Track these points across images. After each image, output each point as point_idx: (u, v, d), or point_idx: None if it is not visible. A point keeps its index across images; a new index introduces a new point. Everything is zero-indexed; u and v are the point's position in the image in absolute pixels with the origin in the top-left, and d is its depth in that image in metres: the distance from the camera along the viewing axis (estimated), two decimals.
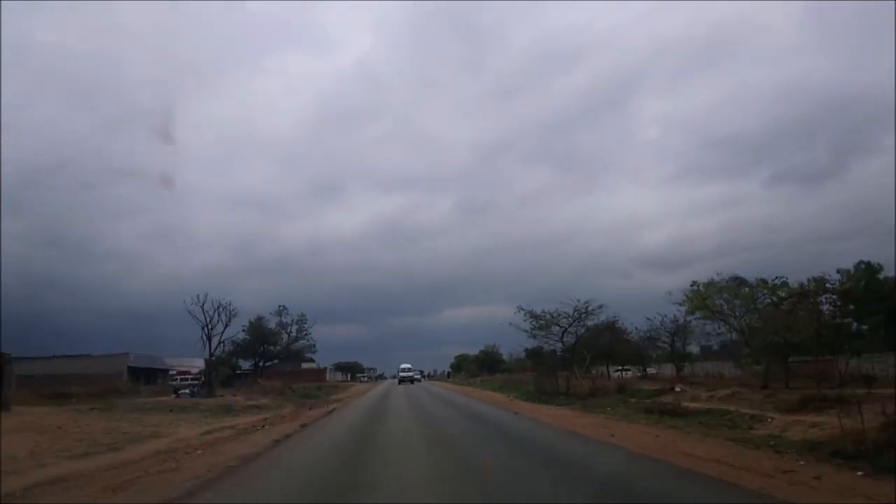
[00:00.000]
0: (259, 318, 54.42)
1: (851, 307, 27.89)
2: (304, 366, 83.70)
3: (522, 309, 34.39)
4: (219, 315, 41.27)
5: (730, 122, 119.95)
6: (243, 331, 51.46)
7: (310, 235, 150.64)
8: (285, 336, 56.25)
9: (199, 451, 11.85)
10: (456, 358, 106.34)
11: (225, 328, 42.15)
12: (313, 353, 59.33)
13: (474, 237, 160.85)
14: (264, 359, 56.14)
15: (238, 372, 72.50)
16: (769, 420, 13.10)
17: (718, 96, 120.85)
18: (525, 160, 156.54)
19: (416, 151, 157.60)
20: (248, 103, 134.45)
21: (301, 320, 56.31)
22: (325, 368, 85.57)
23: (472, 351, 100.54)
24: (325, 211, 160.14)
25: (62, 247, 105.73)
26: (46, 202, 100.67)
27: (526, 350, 49.12)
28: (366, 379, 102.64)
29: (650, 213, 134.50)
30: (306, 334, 57.08)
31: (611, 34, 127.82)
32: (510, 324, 35.14)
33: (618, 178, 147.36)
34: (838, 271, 29.53)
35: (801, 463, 8.51)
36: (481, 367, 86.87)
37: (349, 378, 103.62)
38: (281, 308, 56.10)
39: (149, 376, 50.76)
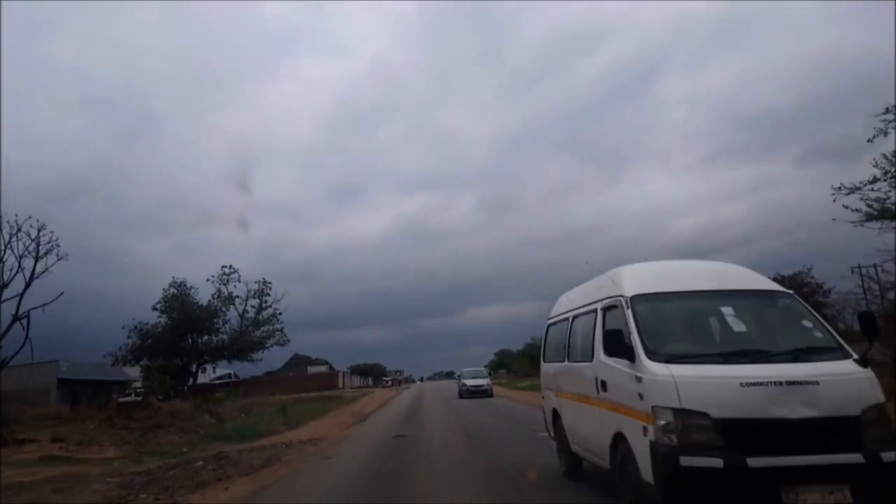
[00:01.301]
0: (181, 286, 33.44)
1: None
2: (313, 370, 68.80)
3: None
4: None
5: (759, 100, 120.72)
6: (157, 310, 32.38)
7: (333, 241, 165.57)
8: (240, 317, 34.72)
9: None
10: (497, 354, 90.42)
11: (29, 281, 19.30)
12: (284, 343, 37.04)
13: (498, 234, 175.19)
14: (198, 356, 34.13)
15: (215, 381, 58.29)
16: None
17: (746, 72, 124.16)
18: (547, 152, 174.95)
19: (436, 149, 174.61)
20: (265, 111, 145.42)
21: (262, 291, 35.00)
22: (339, 373, 69.82)
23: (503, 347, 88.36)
24: (347, 215, 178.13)
25: (86, 259, 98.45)
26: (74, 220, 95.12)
27: None
28: (389, 383, 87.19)
29: (679, 200, 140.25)
30: (273, 314, 35.43)
31: (630, 13, 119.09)
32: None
33: (644, 165, 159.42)
34: None
35: None
36: (534, 364, 69.86)
37: (371, 382, 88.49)
38: (226, 271, 34.16)
39: (77, 392, 35.11)
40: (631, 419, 4.78)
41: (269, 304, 34.88)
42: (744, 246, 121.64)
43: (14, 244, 18.96)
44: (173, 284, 32.12)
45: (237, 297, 34.22)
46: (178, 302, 31.92)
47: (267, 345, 35.50)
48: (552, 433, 8.04)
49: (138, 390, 25.55)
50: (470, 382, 32.55)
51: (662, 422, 4.28)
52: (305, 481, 8.44)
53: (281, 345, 36.50)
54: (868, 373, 4.43)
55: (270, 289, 34.95)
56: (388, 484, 7.56)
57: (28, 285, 18.69)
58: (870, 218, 12.84)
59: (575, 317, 6.80)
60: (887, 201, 12.44)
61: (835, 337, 4.82)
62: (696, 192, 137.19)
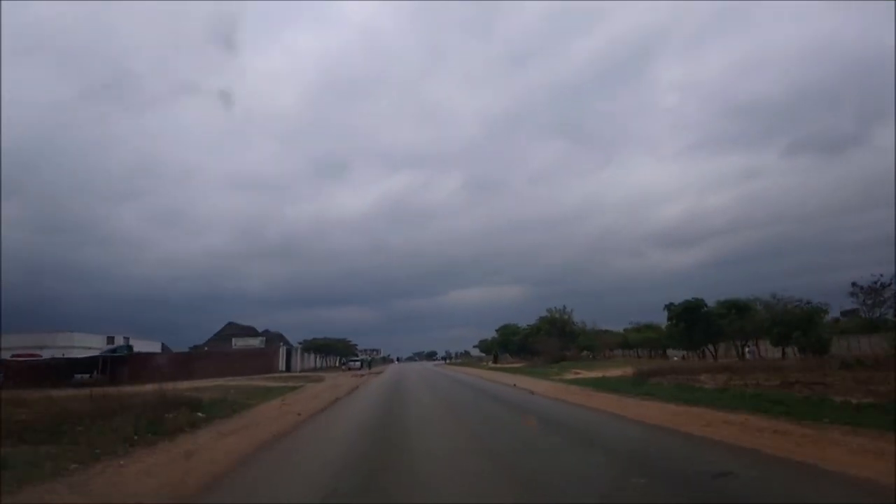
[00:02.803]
0: None
1: None
2: (241, 343, 48.20)
3: None
4: None
5: (751, 87, 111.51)
6: None
7: (314, 217, 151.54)
8: None
9: None
10: (500, 331, 70.62)
11: None
12: None
13: (483, 216, 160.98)
14: None
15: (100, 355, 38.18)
16: None
17: (741, 59, 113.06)
18: (537, 133, 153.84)
19: (423, 125, 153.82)
20: (248, 80, 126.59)
21: None
22: (279, 349, 48.66)
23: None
24: (329, 191, 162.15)
25: (63, 231, 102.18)
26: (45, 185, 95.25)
27: None
28: (356, 365, 66.54)
29: (665, 187, 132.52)
30: None
31: None
32: None
33: (633, 150, 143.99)
34: None
35: None
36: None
37: (339, 363, 68.15)
38: None
39: None
40: None
41: None
42: (726, 235, 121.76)
43: None
44: None
45: None
46: None
47: None
48: None
49: None
50: None
51: None
52: None
53: None
54: None
55: None
56: None
57: None
58: None
59: None
60: None
61: None
62: (683, 180, 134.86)
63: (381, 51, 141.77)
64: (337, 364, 75.61)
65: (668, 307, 40.08)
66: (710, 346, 41.19)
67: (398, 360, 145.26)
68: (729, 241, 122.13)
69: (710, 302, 38.77)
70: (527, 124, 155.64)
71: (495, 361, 58.45)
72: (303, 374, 46.05)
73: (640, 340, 59.04)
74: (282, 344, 51.32)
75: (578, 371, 29.61)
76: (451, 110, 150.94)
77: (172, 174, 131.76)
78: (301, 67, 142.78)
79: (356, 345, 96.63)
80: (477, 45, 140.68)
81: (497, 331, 75.25)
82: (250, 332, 64.27)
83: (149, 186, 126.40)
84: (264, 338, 53.98)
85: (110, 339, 61.55)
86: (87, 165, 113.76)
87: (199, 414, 13.71)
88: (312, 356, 62.29)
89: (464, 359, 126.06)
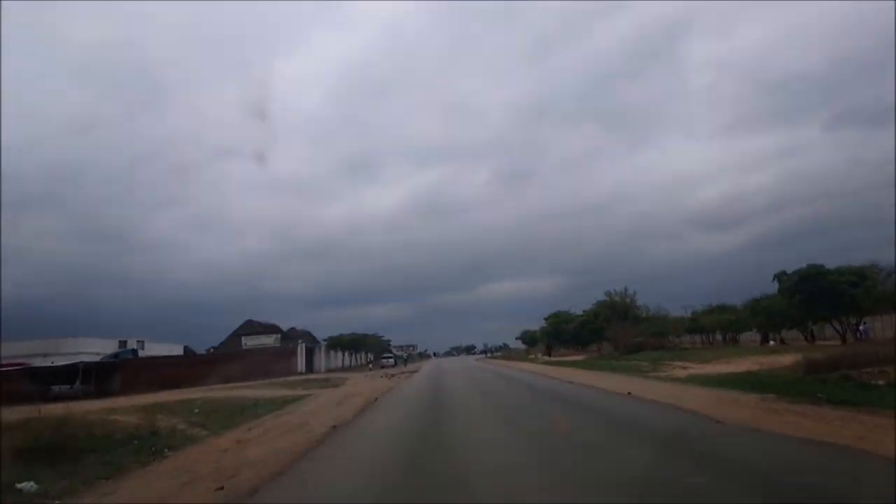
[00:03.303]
0: None
1: None
2: (251, 342, 41.50)
3: None
4: None
5: (789, 61, 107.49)
6: None
7: (346, 216, 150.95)
8: None
9: None
10: (550, 319, 62.32)
11: None
12: None
13: (514, 207, 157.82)
14: None
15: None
16: None
17: (777, 33, 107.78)
18: (565, 120, 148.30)
19: (450, 119, 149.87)
20: (277, 85, 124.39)
21: None
22: (304, 348, 41.52)
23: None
24: (360, 189, 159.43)
25: (105, 240, 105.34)
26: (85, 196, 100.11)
27: None
28: (391, 363, 59.22)
29: (702, 168, 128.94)
30: None
31: None
32: None
33: (667, 132, 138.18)
34: None
35: None
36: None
37: (371, 360, 61.13)
38: None
39: None
40: None
41: None
42: (767, 215, 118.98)
43: None
44: None
45: None
46: None
47: None
48: None
49: None
50: None
51: None
52: None
53: None
54: None
55: None
56: None
57: None
58: None
59: None
60: None
61: None
62: (720, 160, 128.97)
63: (404, 46, 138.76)
64: (366, 362, 68.66)
65: (779, 276, 31.23)
66: (829, 323, 32.58)
67: (435, 355, 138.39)
68: (771, 220, 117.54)
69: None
70: (554, 112, 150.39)
71: (548, 353, 50.29)
72: (325, 375, 38.94)
73: (715, 323, 50.15)
74: (300, 341, 44.39)
75: (686, 364, 21.18)
76: (477, 102, 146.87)
77: (207, 180, 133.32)
78: (327, 68, 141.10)
79: (389, 341, 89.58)
80: (500, 35, 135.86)
81: (546, 319, 66.75)
82: (271, 329, 57.67)
83: (184, 193, 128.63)
84: (279, 335, 46.99)
85: (122, 343, 55.94)
86: (125, 174, 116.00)
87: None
88: (340, 354, 55.26)
89: (504, 352, 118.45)
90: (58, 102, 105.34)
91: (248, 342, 41.12)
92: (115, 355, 46.31)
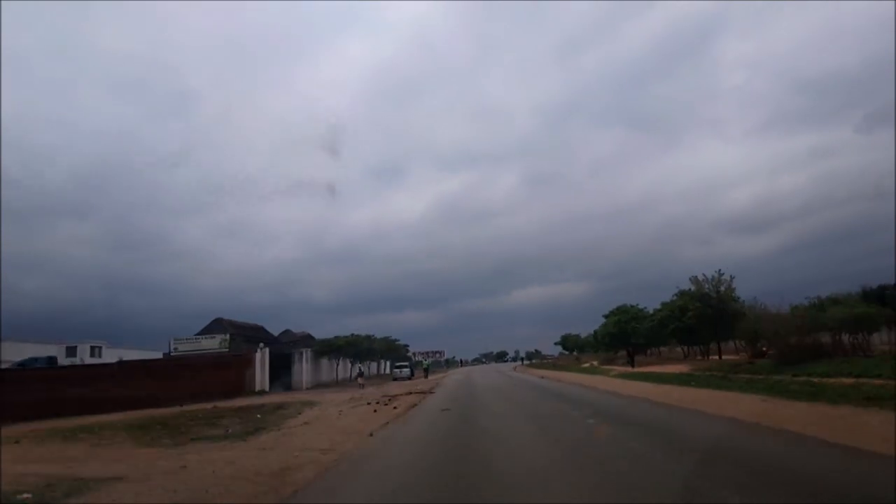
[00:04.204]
0: None
1: None
2: (185, 347, 27.99)
3: None
4: None
5: (824, 60, 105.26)
6: None
7: (372, 222, 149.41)
8: None
9: None
10: (613, 317, 47.52)
11: None
12: None
13: (542, 212, 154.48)
14: None
15: None
16: None
17: (810, 31, 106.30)
18: (594, 122, 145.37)
19: (477, 122, 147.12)
20: (302, 91, 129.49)
21: None
22: (275, 356, 26.73)
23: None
24: (386, 195, 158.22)
25: (134, 248, 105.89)
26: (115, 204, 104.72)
27: None
28: (406, 373, 45.39)
29: (734, 169, 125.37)
30: None
31: None
32: None
33: (698, 133, 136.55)
34: None
35: None
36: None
37: (360, 375, 47.86)
38: None
39: None
40: None
41: None
42: (801, 217, 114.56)
43: None
44: None
45: None
46: None
47: None
48: None
49: None
50: None
51: None
52: None
53: None
54: None
55: None
56: None
57: None
58: None
59: None
60: None
61: None
62: (753, 161, 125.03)
63: (430, 50, 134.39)
64: (367, 372, 54.88)
65: None
66: None
67: (462, 362, 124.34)
68: (805, 223, 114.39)
69: None
70: (583, 114, 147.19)
71: (632, 362, 35.47)
72: (280, 398, 25.31)
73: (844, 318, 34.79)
74: (261, 345, 30.86)
75: None
76: (504, 105, 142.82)
77: (235, 187, 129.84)
78: (353, 73, 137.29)
79: (407, 346, 75.54)
80: (528, 37, 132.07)
81: (608, 317, 51.85)
82: (250, 329, 44.50)
83: (213, 200, 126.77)
84: (227, 336, 33.37)
85: (70, 349, 43.70)
86: (155, 183, 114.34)
87: None
88: (335, 363, 41.52)
89: (538, 359, 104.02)
90: (89, 110, 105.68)
91: (182, 347, 28.00)
92: (21, 364, 34.13)
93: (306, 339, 53.55)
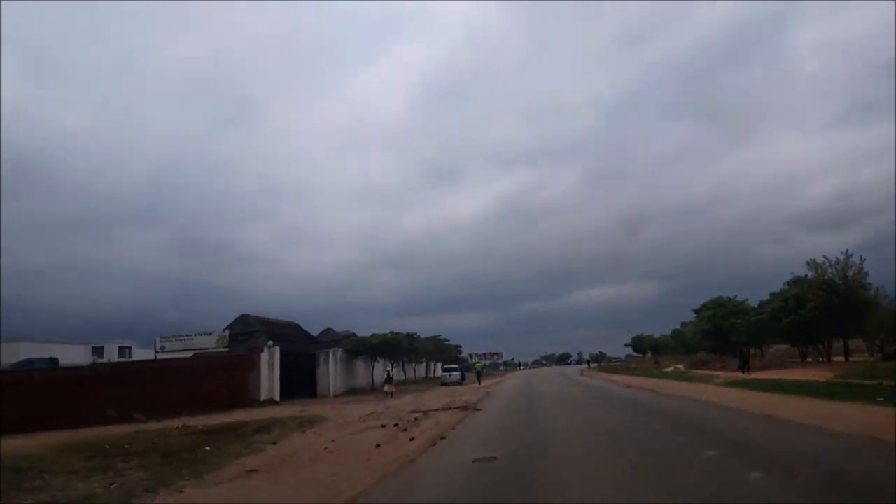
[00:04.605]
0: None
1: None
2: (173, 346, 22.65)
3: None
4: None
5: None
6: None
7: (430, 223, 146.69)
8: None
9: None
10: (706, 312, 39.74)
11: None
12: None
13: (605, 210, 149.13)
14: None
15: None
16: None
17: (891, 13, 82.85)
18: (659, 115, 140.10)
19: (534, 119, 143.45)
20: (357, 96, 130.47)
21: None
22: (257, 354, 20.63)
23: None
24: (443, 196, 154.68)
25: (201, 253, 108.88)
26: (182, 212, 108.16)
27: None
28: (456, 377, 39.18)
29: (812, 162, 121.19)
30: None
31: None
32: None
33: (773, 124, 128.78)
34: None
35: None
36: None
37: (387, 381, 42.37)
38: None
39: None
40: None
41: None
42: (886, 211, 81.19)
43: None
44: None
45: None
46: None
47: None
48: None
49: None
50: None
51: None
52: None
53: None
54: None
55: None
56: None
57: None
58: None
59: None
60: None
61: None
62: (833, 153, 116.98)
63: (485, 47, 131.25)
64: (409, 376, 49.07)
65: None
66: None
67: (521, 365, 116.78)
68: (880, 221, 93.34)
69: None
70: (648, 107, 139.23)
71: (746, 367, 27.49)
72: (303, 407, 19.69)
73: None
74: (269, 343, 25.30)
75: None
76: (562, 101, 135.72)
77: (296, 192, 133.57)
78: (407, 75, 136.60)
79: (459, 346, 69.20)
80: (587, 29, 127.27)
81: (699, 312, 43.78)
82: (280, 326, 39.70)
83: (275, 206, 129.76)
84: (225, 333, 27.71)
85: (97, 351, 40.49)
86: (220, 190, 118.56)
87: None
88: (371, 364, 35.70)
89: (606, 362, 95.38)
90: (155, 119, 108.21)
91: (169, 346, 22.95)
92: (20, 364, 30.46)
93: (348, 338, 48.39)
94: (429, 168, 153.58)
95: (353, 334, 51.56)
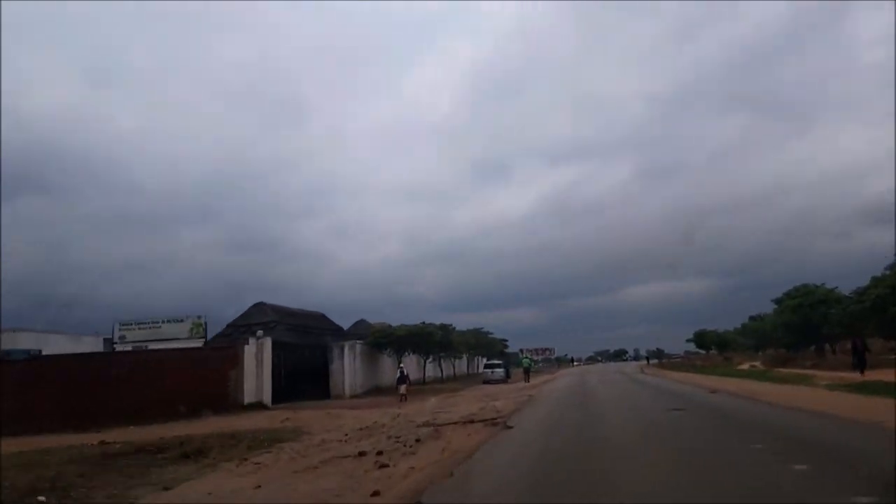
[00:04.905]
0: None
1: None
2: (136, 335, 18.60)
3: None
4: None
5: None
6: None
7: (478, 219, 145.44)
8: None
9: None
10: (790, 300, 32.83)
11: None
12: None
13: (658, 205, 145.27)
14: None
15: None
16: None
17: None
18: (714, 107, 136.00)
19: (585, 114, 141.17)
20: (405, 94, 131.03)
21: None
22: (241, 348, 15.83)
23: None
24: (492, 192, 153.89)
25: (255, 250, 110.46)
26: (235, 209, 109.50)
27: None
28: (500, 375, 34.27)
29: (875, 154, 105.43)
30: None
31: None
32: None
33: (833, 115, 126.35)
34: None
35: None
36: None
37: (403, 378, 38.16)
38: None
39: None
40: None
41: None
42: None
43: None
44: None
45: None
46: None
47: None
48: None
49: None
50: None
51: None
52: None
53: None
54: None
55: None
56: None
57: None
58: None
59: None
60: None
61: None
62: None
63: (534, 41, 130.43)
64: (449, 372, 44.81)
65: None
66: None
67: (574, 361, 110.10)
68: None
69: None
70: (702, 99, 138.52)
71: (861, 367, 21.69)
72: (293, 413, 15.58)
73: None
74: (259, 333, 21.20)
75: None
76: (614, 94, 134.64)
77: (346, 190, 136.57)
78: (455, 71, 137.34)
79: (505, 340, 64.02)
80: (639, 21, 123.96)
81: (779, 302, 37.24)
82: (300, 315, 36.18)
83: (325, 203, 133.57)
84: (201, 319, 22.84)
85: (108, 343, 38.14)
86: (271, 188, 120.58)
87: None
88: (398, 359, 31.31)
89: (667, 358, 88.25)
90: (208, 120, 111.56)
91: (131, 335, 18.97)
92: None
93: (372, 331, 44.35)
94: (477, 164, 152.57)
95: (389, 327, 47.61)
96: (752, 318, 74.43)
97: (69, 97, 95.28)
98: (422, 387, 33.40)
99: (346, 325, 44.44)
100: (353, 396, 24.82)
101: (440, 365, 39.90)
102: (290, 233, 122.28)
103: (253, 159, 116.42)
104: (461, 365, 50.99)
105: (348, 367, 25.19)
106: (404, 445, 9.68)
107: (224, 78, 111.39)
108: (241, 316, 34.97)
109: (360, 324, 51.20)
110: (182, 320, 18.57)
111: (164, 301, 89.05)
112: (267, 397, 18.37)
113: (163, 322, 18.41)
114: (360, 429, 12.67)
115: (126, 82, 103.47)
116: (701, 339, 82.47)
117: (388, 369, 30.57)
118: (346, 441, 10.90)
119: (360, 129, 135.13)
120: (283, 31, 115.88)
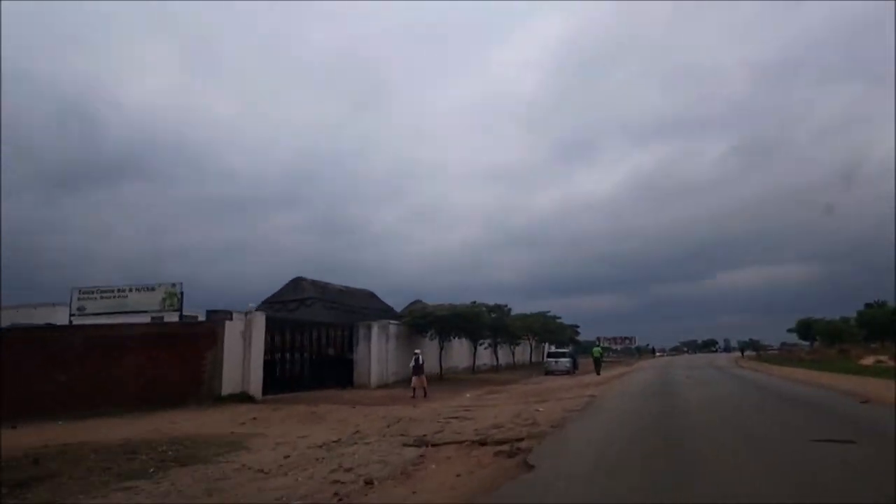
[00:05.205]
0: None
1: None
2: (98, 305, 15.07)
3: None
4: None
5: None
6: None
7: (561, 202, 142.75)
8: None
9: None
10: None
11: None
12: None
13: (757, 184, 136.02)
14: None
15: None
16: None
17: None
18: (822, 78, 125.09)
19: (677, 88, 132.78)
20: (490, 73, 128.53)
21: None
22: (221, 327, 11.86)
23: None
24: (576, 174, 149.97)
25: (343, 234, 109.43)
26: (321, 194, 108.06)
27: None
28: (565, 366, 29.29)
29: None
30: None
31: None
32: None
33: None
34: None
35: None
36: None
37: (416, 364, 33.62)
38: None
39: None
40: None
41: None
42: None
43: None
44: None
45: None
46: None
47: None
48: None
49: None
50: None
51: None
52: None
53: None
54: None
55: None
56: None
57: None
58: None
59: None
60: None
61: None
62: None
63: (625, 14, 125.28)
64: (510, 360, 40.03)
65: None
66: None
67: (657, 352, 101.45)
68: None
69: None
70: (808, 69, 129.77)
71: None
72: (284, 406, 11.88)
73: None
74: (250, 307, 17.74)
75: None
76: (712, 65, 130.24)
77: (426, 172, 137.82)
78: (541, 50, 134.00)
79: (577, 326, 58.28)
80: None
81: None
82: (344, 294, 33.05)
83: (406, 186, 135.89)
84: (176, 288, 18.91)
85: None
86: (356, 173, 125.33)
87: None
88: (441, 345, 27.24)
89: (763, 350, 79.21)
90: (295, 107, 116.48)
91: (91, 306, 16.10)
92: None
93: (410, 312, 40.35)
94: (561, 144, 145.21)
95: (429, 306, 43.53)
96: (867, 306, 64.44)
97: (169, 85, 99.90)
98: (471, 376, 29.11)
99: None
100: (382, 386, 20.97)
101: (496, 352, 35.38)
102: (372, 216, 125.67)
103: (338, 144, 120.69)
104: (524, 353, 46.16)
105: (376, 352, 21.33)
106: (335, 496, 5.42)
107: (311, 64, 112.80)
108: (277, 293, 32.25)
109: (415, 304, 47.22)
110: (153, 289, 15.47)
111: (247, 282, 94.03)
112: (255, 387, 14.84)
113: (129, 290, 15.41)
114: (320, 445, 8.54)
115: (220, 70, 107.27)
116: (806, 328, 72.47)
117: (430, 356, 26.49)
118: (271, 472, 6.79)
119: (444, 110, 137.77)
120: (370, 16, 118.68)
